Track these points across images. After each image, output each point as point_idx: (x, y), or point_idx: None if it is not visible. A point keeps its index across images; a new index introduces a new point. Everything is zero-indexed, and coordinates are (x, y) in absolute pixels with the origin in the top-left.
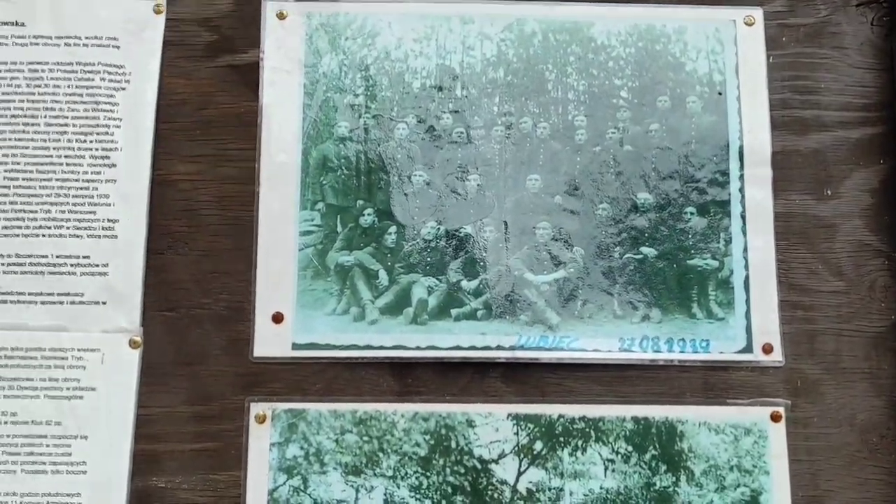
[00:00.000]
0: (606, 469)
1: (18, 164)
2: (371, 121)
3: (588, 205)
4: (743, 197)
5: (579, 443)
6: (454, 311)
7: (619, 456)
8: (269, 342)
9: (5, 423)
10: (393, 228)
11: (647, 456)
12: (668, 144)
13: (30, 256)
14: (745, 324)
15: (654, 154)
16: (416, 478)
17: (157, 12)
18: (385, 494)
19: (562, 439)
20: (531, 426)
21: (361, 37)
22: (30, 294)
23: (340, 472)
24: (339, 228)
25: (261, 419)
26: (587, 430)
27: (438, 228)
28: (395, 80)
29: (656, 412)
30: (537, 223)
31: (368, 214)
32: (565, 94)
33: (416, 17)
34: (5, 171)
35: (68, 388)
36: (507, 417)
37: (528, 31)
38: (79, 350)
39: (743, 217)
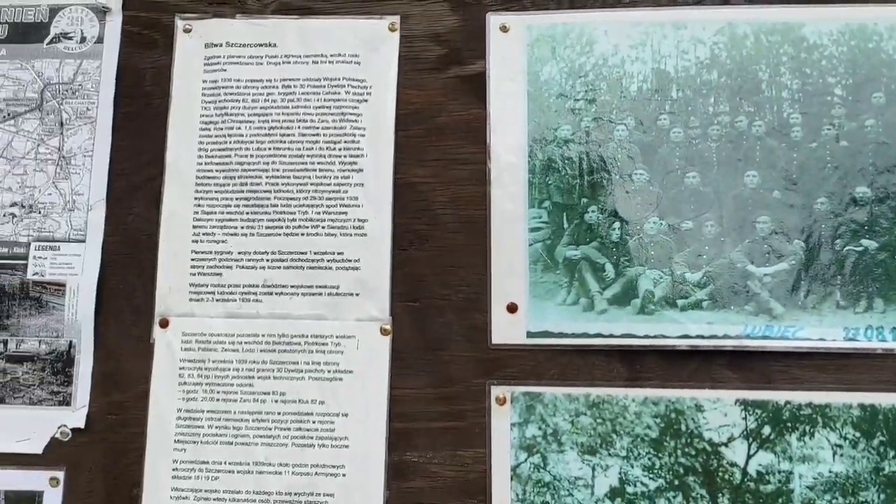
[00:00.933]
0: (835, 454)
1: (278, 170)
2: (591, 123)
3: (806, 199)
4: None
5: (807, 428)
6: (680, 302)
7: (847, 441)
8: (506, 330)
9: (275, 401)
10: (617, 224)
11: (875, 441)
12: (885, 139)
13: (291, 253)
14: None
15: (870, 149)
16: (649, 458)
17: (392, 30)
18: (620, 473)
19: (789, 424)
20: (759, 411)
21: (580, 45)
22: (292, 287)
23: (577, 451)
24: (566, 225)
25: (501, 401)
26: (814, 416)
27: (661, 223)
28: (613, 85)
29: (883, 399)
30: (757, 217)
31: (592, 211)
32: (779, 93)
33: (631, 24)
34: (267, 177)
35: (329, 371)
36: (735, 403)
37: (739, 34)
38: (337, 337)
39: None
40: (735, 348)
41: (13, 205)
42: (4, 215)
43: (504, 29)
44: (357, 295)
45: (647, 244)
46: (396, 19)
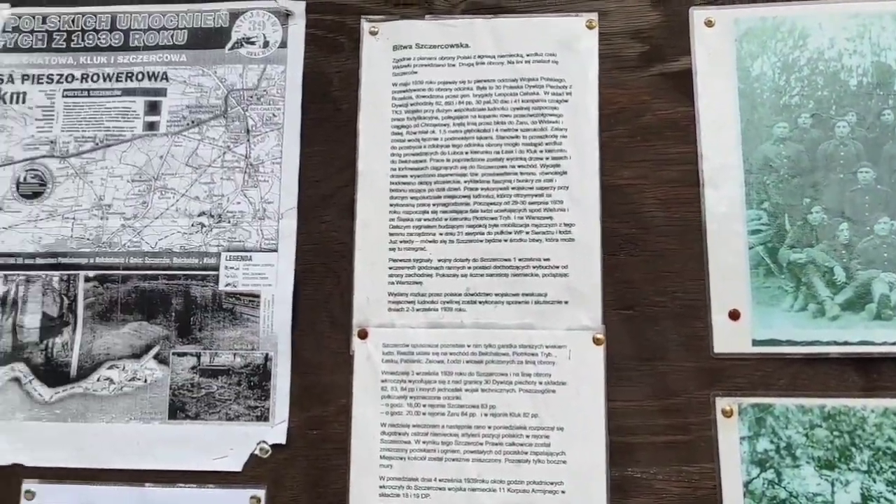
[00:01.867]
0: None
1: (476, 174)
2: (809, 120)
3: None
4: None
5: None
6: None
7: None
8: (728, 338)
9: (485, 415)
10: (844, 225)
11: None
12: None
13: (494, 260)
14: None
15: None
16: (893, 472)
17: (590, 27)
18: (862, 489)
19: None
20: None
21: (792, 38)
22: (496, 294)
23: (814, 465)
24: (788, 226)
25: (728, 413)
26: None
27: (892, 224)
28: (831, 80)
29: None
30: None
31: (816, 212)
32: None
33: (847, 16)
34: (465, 181)
35: (541, 383)
36: None
37: None
38: (547, 347)
39: None
40: None
41: (201, 214)
42: (193, 225)
43: (709, 23)
44: (566, 303)
45: (880, 246)
46: (594, 16)
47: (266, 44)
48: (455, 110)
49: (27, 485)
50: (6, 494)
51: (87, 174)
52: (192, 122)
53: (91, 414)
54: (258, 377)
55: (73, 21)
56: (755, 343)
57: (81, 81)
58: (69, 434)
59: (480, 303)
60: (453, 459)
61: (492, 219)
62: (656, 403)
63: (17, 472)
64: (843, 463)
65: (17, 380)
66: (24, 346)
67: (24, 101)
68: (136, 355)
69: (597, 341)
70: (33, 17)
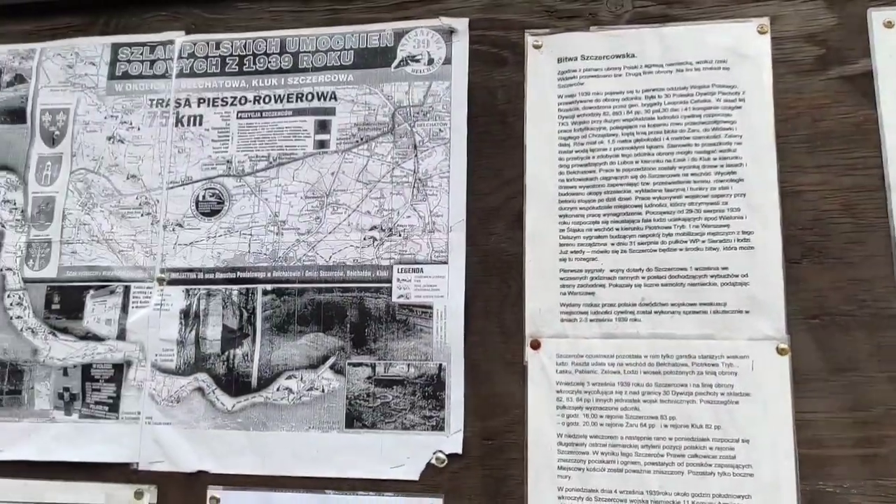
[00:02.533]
0: None
1: (647, 184)
2: None
3: None
4: None
5: None
6: None
7: None
8: None
9: (665, 426)
10: None
11: None
12: None
13: (669, 269)
14: None
15: None
16: None
17: (762, 32)
18: None
19: None
20: None
21: None
22: (672, 304)
23: None
24: None
25: None
26: None
27: None
28: None
29: None
30: None
31: None
32: None
33: None
34: (636, 191)
35: (722, 394)
36: None
37: None
38: (728, 357)
39: None
40: None
41: (373, 228)
42: (365, 238)
43: (889, 25)
44: (747, 312)
45: None
46: (766, 21)
47: (431, 61)
48: (623, 120)
49: (212, 491)
50: (193, 500)
51: (262, 192)
52: (361, 139)
53: (272, 423)
54: (432, 387)
55: (244, 46)
56: None
57: (254, 103)
58: (251, 442)
59: (656, 313)
60: (634, 471)
61: (665, 228)
62: (849, 415)
63: (202, 479)
64: None
65: (200, 389)
66: (207, 357)
67: (200, 124)
68: (313, 366)
69: (781, 351)
70: (207, 44)
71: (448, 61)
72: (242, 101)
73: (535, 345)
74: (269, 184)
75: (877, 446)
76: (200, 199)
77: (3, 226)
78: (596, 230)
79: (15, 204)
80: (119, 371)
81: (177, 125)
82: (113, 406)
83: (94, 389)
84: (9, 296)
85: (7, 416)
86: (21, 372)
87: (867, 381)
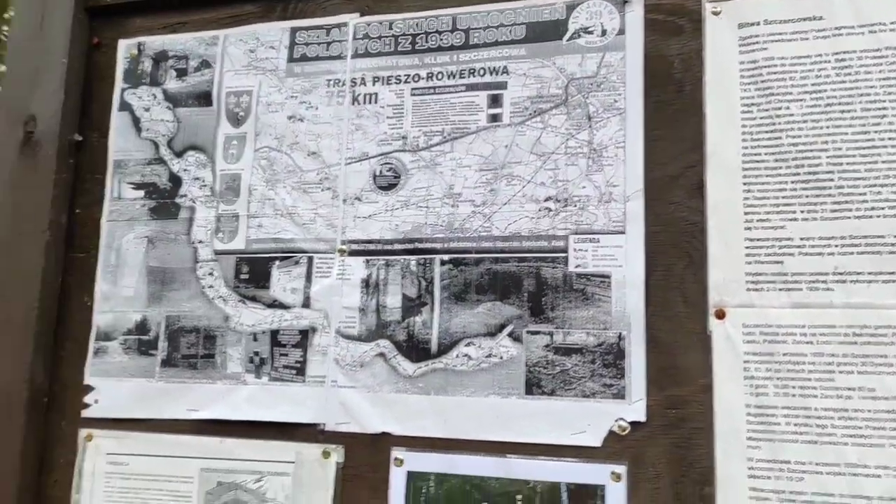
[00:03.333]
0: None
1: (839, 149)
2: None
3: None
4: None
5: None
6: None
7: None
8: None
9: (863, 398)
10: None
11: None
12: None
13: (865, 237)
14: None
15: None
16: None
17: None
18: None
19: None
20: None
21: None
22: (869, 273)
23: None
24: None
25: None
26: None
27: None
28: None
29: None
30: None
31: None
32: None
33: None
34: (827, 157)
35: None
36: None
37: None
38: None
39: None
40: None
41: (548, 199)
42: (540, 210)
43: None
44: None
45: None
46: None
47: (604, 32)
48: (812, 85)
49: (396, 452)
50: (378, 460)
51: (437, 165)
52: (534, 112)
53: (452, 388)
54: (612, 356)
55: (417, 24)
56: None
57: (427, 80)
58: (432, 406)
59: (852, 282)
60: (830, 443)
61: (860, 194)
62: None
63: (386, 441)
64: None
65: (382, 355)
66: (388, 325)
67: (376, 102)
68: (491, 333)
69: None
70: (381, 24)
71: (622, 32)
72: (416, 79)
73: (720, 314)
74: (443, 158)
75: None
76: (377, 173)
77: (193, 202)
78: (783, 198)
79: (204, 181)
80: (304, 337)
81: (353, 103)
82: (300, 370)
83: (282, 354)
84: (201, 267)
85: (203, 379)
86: (214, 337)
87: None
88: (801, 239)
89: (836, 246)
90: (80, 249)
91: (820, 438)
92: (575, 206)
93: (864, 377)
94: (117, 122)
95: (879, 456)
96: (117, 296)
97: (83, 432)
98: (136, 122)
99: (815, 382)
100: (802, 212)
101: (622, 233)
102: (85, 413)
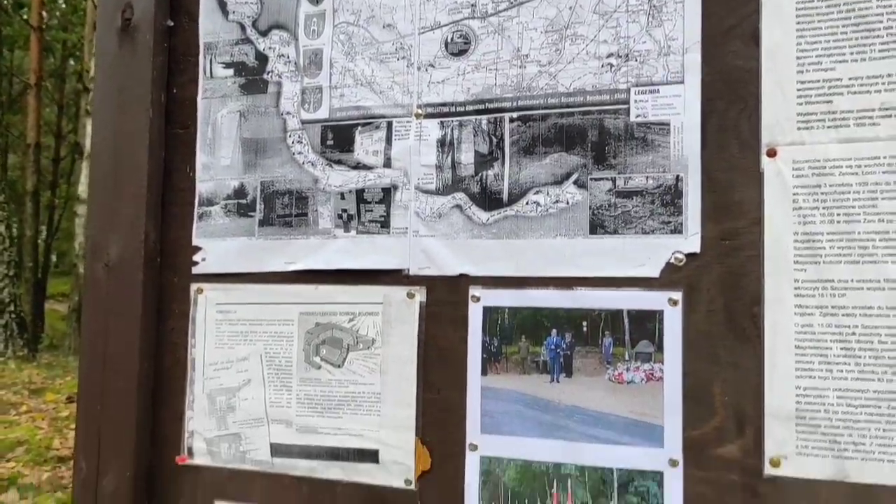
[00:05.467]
0: None
1: None
2: None
3: None
4: None
5: None
6: None
7: None
8: None
9: None
10: None
11: None
12: None
13: None
14: None
15: None
16: None
17: None
18: None
19: None
20: None
21: None
22: None
23: None
24: None
25: None
26: None
27: None
28: None
29: None
30: None
31: None
32: None
33: None
34: (877, 1)
35: None
36: None
37: None
38: None
39: None
40: None
41: (609, 55)
42: (602, 66)
43: None
44: None
45: None
46: None
47: None
48: None
49: (473, 290)
50: (457, 298)
51: (505, 30)
52: None
53: (522, 232)
54: (670, 196)
55: None
56: None
57: None
58: (504, 249)
59: None
60: (871, 262)
61: None
62: None
63: (464, 281)
64: None
65: (458, 206)
66: (462, 179)
67: None
68: (558, 182)
69: None
70: None
71: None
72: None
73: (772, 153)
74: (510, 22)
75: None
76: (449, 41)
77: (280, 77)
78: (834, 41)
79: (288, 58)
80: (387, 194)
81: None
82: (384, 223)
83: (367, 210)
84: (290, 136)
85: (298, 235)
86: (306, 198)
87: None
88: (850, 79)
89: (883, 83)
90: (179, 126)
91: (862, 259)
92: (636, 60)
93: None
94: (205, 6)
95: None
96: (216, 165)
97: (194, 286)
98: (223, 5)
99: (859, 209)
100: (852, 53)
101: (681, 83)
102: (195, 270)
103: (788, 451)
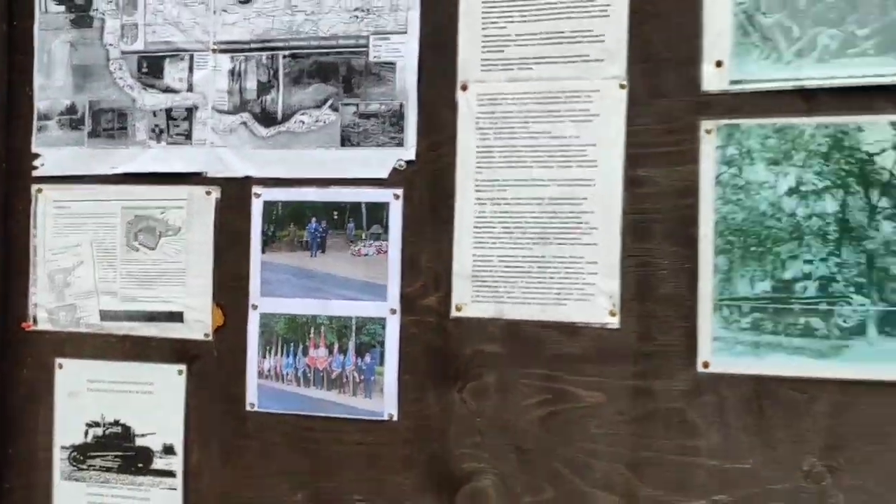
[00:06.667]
0: None
1: None
2: None
3: None
4: None
5: None
6: (850, 51)
7: None
8: (712, 80)
9: (546, 137)
10: None
11: None
12: None
13: (555, 33)
14: None
15: None
16: (819, 166)
17: None
18: (797, 177)
19: None
20: None
21: None
22: (553, 57)
23: (765, 163)
24: None
25: (709, 131)
26: None
27: None
28: None
29: None
30: None
31: None
32: None
33: None
34: None
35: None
36: (888, 124)
37: None
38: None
39: None
40: (891, 83)
41: (356, 9)
42: (351, 17)
43: None
44: None
45: (828, 7)
46: None
47: None
48: None
49: (255, 189)
50: (243, 194)
51: None
52: None
53: (292, 144)
54: (396, 118)
55: None
56: (731, 83)
57: None
58: (279, 156)
59: (545, 64)
60: (524, 167)
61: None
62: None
63: (249, 181)
64: (786, 161)
65: (244, 123)
66: (248, 102)
67: None
68: (318, 106)
69: None
70: None
71: None
72: None
73: (464, 87)
74: None
75: (674, 146)
76: None
77: (103, 14)
78: (507, 6)
79: None
80: (190, 113)
81: None
82: (188, 136)
83: (175, 125)
84: (112, 63)
85: (119, 145)
86: (125, 115)
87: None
88: (516, 35)
89: (538, 39)
90: (20, 52)
91: (518, 164)
92: (374, 14)
93: (547, 125)
94: None
95: (553, 172)
96: (51, 87)
97: (35, 187)
98: None
99: (518, 129)
100: (518, 16)
101: (405, 32)
102: (35, 173)
103: (467, 300)
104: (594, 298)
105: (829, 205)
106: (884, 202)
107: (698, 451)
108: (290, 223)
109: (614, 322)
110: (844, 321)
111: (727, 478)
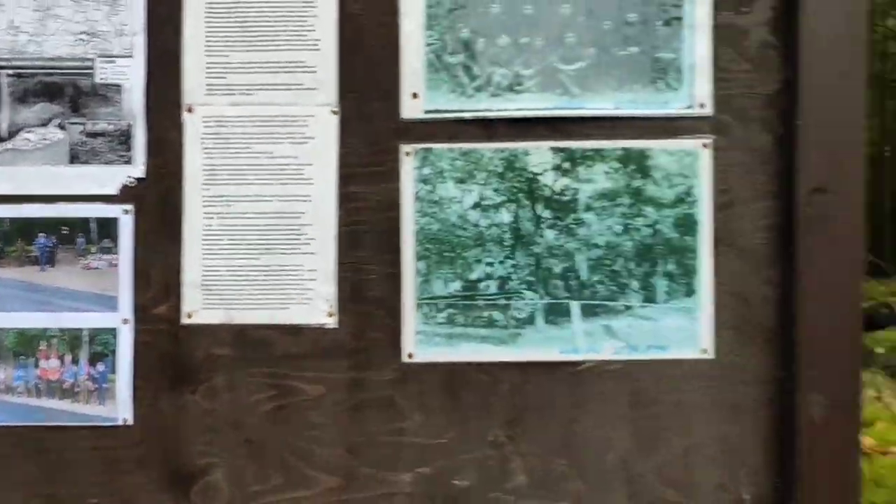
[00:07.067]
0: (606, 175)
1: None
2: None
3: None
4: None
5: (589, 162)
6: (518, 88)
7: (613, 169)
8: (411, 110)
9: (264, 157)
10: (482, 40)
11: (629, 168)
12: None
13: (263, 63)
14: None
15: None
16: (497, 184)
17: None
18: (479, 194)
19: (580, 161)
20: (562, 154)
21: None
22: (261, 84)
23: (453, 181)
24: (449, 41)
25: (409, 154)
26: (594, 155)
27: (508, 39)
28: None
29: (635, 144)
30: (566, 34)
31: (464, 32)
32: None
33: None
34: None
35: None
36: (549, 149)
37: None
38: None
39: None
40: (551, 115)
41: (81, 33)
42: (76, 40)
43: None
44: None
45: (497, 52)
46: None
47: None
48: None
49: None
50: None
51: (4, 5)
52: None
53: (18, 161)
54: (124, 137)
55: None
56: (426, 112)
57: None
58: (6, 174)
59: (254, 91)
60: (246, 183)
61: (272, 31)
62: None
63: None
64: (470, 179)
65: None
66: None
67: None
68: (44, 124)
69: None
70: None
71: None
72: None
73: (190, 110)
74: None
75: (384, 167)
76: None
77: None
78: (229, 36)
79: None
80: None
81: None
82: None
83: None
84: None
85: None
86: None
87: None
88: (238, 63)
89: (257, 68)
90: None
91: (241, 181)
92: (100, 38)
93: (268, 146)
94: None
95: (274, 189)
96: None
97: None
98: None
99: (241, 149)
100: (239, 46)
101: (131, 56)
102: None
103: (198, 307)
104: (314, 302)
105: (505, 216)
106: (546, 213)
107: (405, 432)
108: (18, 239)
109: (332, 322)
110: (518, 313)
111: (429, 452)
